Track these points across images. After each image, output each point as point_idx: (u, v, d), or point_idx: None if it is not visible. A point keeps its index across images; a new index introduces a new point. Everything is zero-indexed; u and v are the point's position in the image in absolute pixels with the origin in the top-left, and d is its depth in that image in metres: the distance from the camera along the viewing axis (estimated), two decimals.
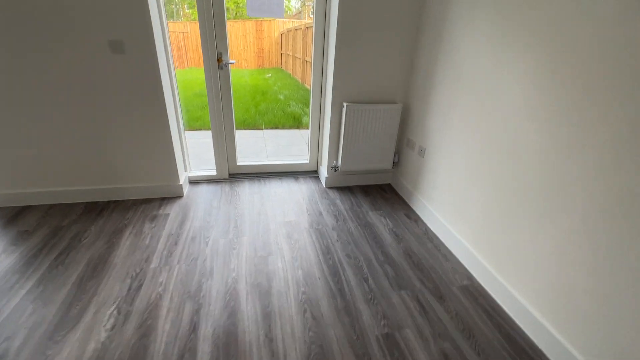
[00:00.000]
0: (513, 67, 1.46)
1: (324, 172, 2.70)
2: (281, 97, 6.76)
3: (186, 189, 2.52)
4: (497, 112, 1.57)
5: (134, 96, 2.06)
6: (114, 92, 2.03)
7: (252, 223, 2.15)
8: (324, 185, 2.69)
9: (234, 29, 13.76)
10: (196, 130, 4.47)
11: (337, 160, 2.59)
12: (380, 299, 1.57)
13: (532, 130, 1.37)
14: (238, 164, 2.74)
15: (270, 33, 13.70)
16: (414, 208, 2.41)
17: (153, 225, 2.07)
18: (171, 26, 14.34)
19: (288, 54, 11.53)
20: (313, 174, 2.91)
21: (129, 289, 1.56)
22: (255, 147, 3.93)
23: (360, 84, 2.35)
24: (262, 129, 4.66)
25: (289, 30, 10.99)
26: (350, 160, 2.52)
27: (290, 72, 10.97)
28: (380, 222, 2.23)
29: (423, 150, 2.28)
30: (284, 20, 14.09)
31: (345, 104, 2.33)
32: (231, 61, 2.32)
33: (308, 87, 7.67)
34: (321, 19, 2.33)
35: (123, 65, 1.97)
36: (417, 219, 2.29)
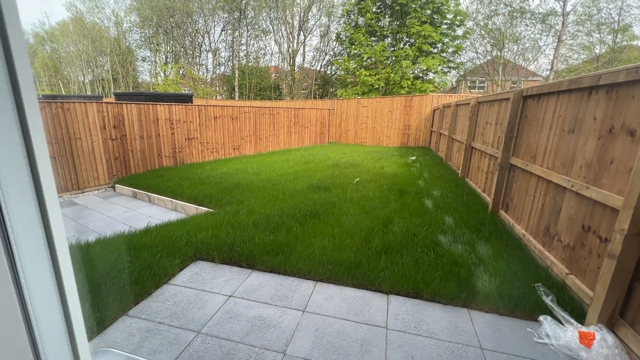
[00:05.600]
0: None
1: None
2: (429, 204, 4.22)
3: None
4: None
5: None
6: None
7: None
8: None
9: (379, 105, 12.70)
10: (263, 271, 2.49)
11: None
12: None
13: None
14: None
15: (421, 109, 11.87)
16: None
17: None
18: (320, 103, 14.69)
19: (441, 134, 9.13)
20: None
21: None
22: None
23: None
24: (385, 293, 2.31)
25: (446, 106, 8.75)
26: None
27: (442, 156, 8.36)
28: None
29: None
30: (439, 94, 12.16)
31: None
32: None
33: (474, 185, 4.58)
34: None
35: None
36: None
